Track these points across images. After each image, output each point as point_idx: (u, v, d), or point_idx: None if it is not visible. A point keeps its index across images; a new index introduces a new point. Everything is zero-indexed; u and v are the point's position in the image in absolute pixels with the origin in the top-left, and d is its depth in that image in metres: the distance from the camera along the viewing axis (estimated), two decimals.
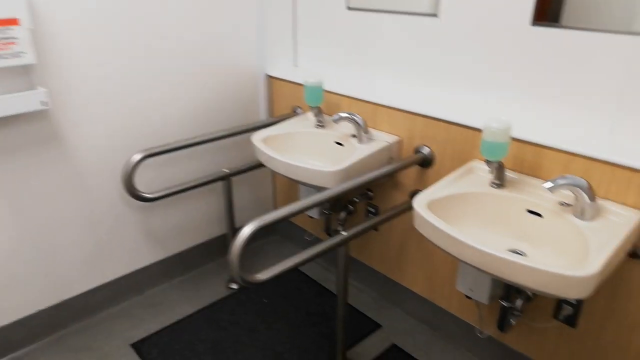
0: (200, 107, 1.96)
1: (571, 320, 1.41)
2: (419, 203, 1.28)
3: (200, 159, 2.04)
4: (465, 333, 1.73)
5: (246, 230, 1.18)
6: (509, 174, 1.39)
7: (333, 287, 2.10)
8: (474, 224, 1.36)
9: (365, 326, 1.88)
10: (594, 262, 1.02)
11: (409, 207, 1.69)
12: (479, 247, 1.10)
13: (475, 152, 1.48)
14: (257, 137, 1.78)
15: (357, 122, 1.65)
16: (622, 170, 1.18)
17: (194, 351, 1.75)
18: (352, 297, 2.03)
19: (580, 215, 1.19)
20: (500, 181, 1.35)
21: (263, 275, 1.25)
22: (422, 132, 1.60)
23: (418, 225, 1.27)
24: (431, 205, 1.30)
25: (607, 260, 1.03)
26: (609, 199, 1.22)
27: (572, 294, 1.02)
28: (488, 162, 1.29)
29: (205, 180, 1.90)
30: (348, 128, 1.79)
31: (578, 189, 1.16)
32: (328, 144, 1.81)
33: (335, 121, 1.64)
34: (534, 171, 1.35)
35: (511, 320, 1.45)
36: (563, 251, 1.22)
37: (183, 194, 2.06)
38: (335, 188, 1.40)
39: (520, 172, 1.39)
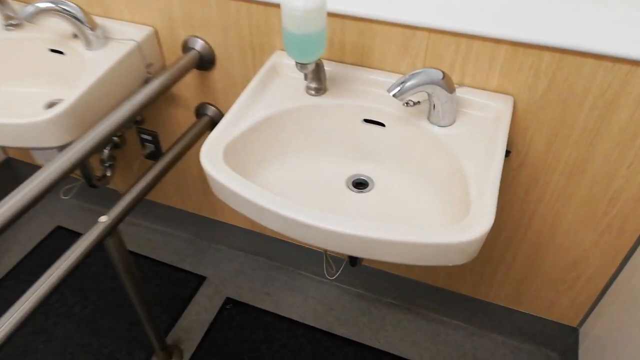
0: None
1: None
2: (208, 155, 0.79)
3: None
4: (302, 255, 1.43)
5: None
6: (330, 67, 0.95)
7: (146, 250, 1.57)
8: (296, 156, 0.93)
9: (185, 285, 1.45)
10: (481, 213, 0.69)
11: (201, 132, 1.17)
12: (303, 219, 0.69)
13: (277, 39, 0.98)
14: None
15: (72, 15, 0.98)
16: (481, 42, 0.82)
17: None
18: (159, 249, 1.55)
19: (435, 117, 0.83)
20: (319, 84, 0.91)
21: None
22: (186, 16, 1.02)
23: (214, 188, 0.79)
24: (229, 151, 0.81)
25: (495, 200, 0.71)
26: (466, 86, 0.88)
27: (457, 261, 0.71)
28: (299, 65, 0.82)
29: None
30: (60, 23, 1.09)
31: (433, 86, 0.78)
32: (39, 57, 1.10)
33: (29, 18, 0.94)
34: (364, 58, 0.93)
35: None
36: (420, 171, 0.89)
37: None
38: (65, 153, 0.80)
39: (344, 61, 0.95)
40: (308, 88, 0.91)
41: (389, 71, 0.92)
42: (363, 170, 0.94)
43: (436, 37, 0.84)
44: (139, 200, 1.04)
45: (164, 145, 1.32)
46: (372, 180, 0.92)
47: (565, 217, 1.00)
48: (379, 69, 0.93)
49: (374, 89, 0.91)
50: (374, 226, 0.68)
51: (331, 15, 0.89)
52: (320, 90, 0.90)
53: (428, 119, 0.85)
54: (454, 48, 0.84)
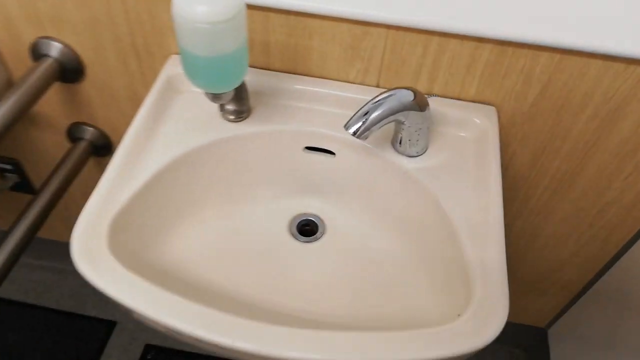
0: None
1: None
2: (84, 245, 0.52)
3: None
4: None
5: None
6: (252, 77, 0.68)
7: (33, 295, 1.24)
8: (219, 207, 0.68)
9: (92, 336, 1.16)
10: (490, 301, 0.50)
11: (81, 160, 0.87)
12: (220, 340, 0.46)
13: (171, 38, 0.69)
14: None
15: None
16: (458, 41, 0.60)
17: None
18: (50, 292, 1.23)
19: (404, 145, 0.62)
20: (240, 106, 0.65)
21: None
22: (29, 10, 0.69)
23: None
24: (119, 227, 0.55)
25: (505, 277, 0.53)
26: (436, 95, 0.67)
27: None
28: (210, 95, 0.55)
29: None
30: None
31: (406, 113, 0.56)
32: None
33: None
34: (298, 64, 0.68)
35: None
36: (386, 211, 0.68)
37: None
38: None
39: (271, 68, 0.69)
40: (225, 111, 0.65)
41: (334, 79, 0.68)
42: (309, 207, 0.71)
43: (398, 35, 0.61)
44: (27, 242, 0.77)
45: (32, 175, 0.99)
46: (322, 223, 0.70)
47: (544, 231, 0.86)
48: (319, 76, 0.68)
49: (314, 105, 0.67)
50: (347, 340, 0.47)
51: (251, 7, 0.62)
52: (242, 113, 0.65)
53: (393, 145, 0.64)
54: (421, 49, 0.62)
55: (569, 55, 0.59)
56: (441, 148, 0.64)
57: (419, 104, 0.56)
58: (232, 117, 0.65)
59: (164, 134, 0.63)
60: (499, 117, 0.67)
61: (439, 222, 0.59)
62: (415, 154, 0.62)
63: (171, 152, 0.62)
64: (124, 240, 0.56)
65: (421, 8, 0.57)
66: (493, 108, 0.66)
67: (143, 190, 0.59)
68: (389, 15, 0.58)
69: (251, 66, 0.69)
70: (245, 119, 0.65)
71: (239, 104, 0.64)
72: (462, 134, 0.65)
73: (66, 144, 0.89)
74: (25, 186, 1.02)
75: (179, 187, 0.63)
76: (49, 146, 0.91)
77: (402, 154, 0.63)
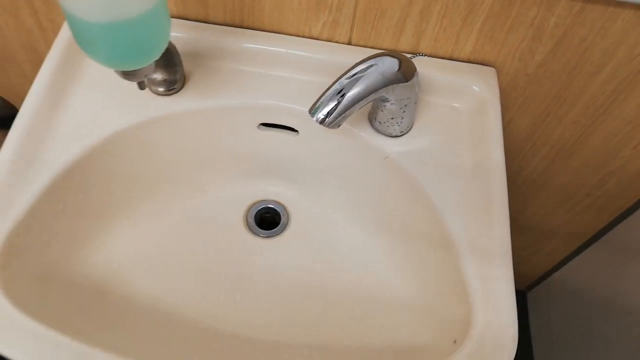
0: None
1: None
2: None
3: None
4: None
5: None
6: (185, 34, 0.52)
7: None
8: (154, 200, 0.54)
9: None
10: (497, 327, 0.41)
11: None
12: None
13: None
14: None
15: None
16: None
17: None
18: None
19: (384, 123, 0.49)
20: (172, 75, 0.49)
21: None
22: None
23: None
24: (12, 251, 0.41)
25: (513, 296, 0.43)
26: (423, 54, 0.53)
27: None
28: (120, 73, 0.39)
29: None
30: None
31: (388, 88, 0.42)
32: None
33: None
34: (245, 15, 0.51)
35: None
36: (360, 200, 0.56)
37: None
38: None
39: (209, 21, 0.53)
40: (151, 82, 0.49)
41: (293, 34, 0.53)
42: (269, 193, 0.59)
43: None
44: None
45: None
46: (285, 211, 0.58)
47: (535, 201, 0.76)
48: (273, 31, 0.53)
49: (268, 69, 0.53)
50: None
51: None
52: (173, 84, 0.50)
53: (370, 122, 0.51)
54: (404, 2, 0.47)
55: (593, 3, 0.46)
56: (429, 124, 0.51)
57: (405, 74, 0.43)
58: (161, 89, 0.49)
59: (71, 114, 0.48)
60: (498, 81, 0.54)
61: (428, 220, 0.48)
62: (399, 134, 0.50)
63: (82, 141, 0.47)
64: (24, 267, 0.43)
65: None
66: (492, 70, 0.53)
67: (46, 196, 0.44)
68: None
69: (184, 18, 0.53)
70: (178, 90, 0.50)
71: (169, 72, 0.48)
72: (455, 105, 0.53)
73: None
74: None
75: (98, 185, 0.49)
76: None
77: (382, 133, 0.50)
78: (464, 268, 0.43)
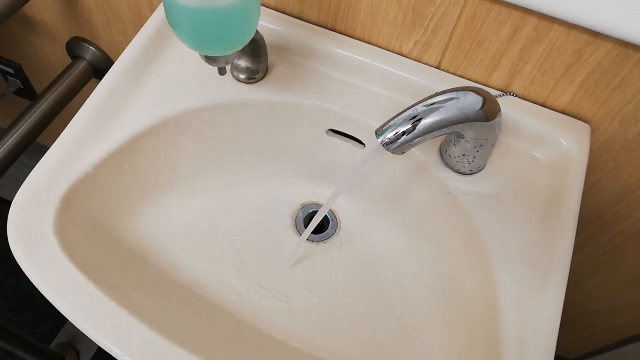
0: None
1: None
2: (19, 228, 0.41)
3: None
4: None
5: None
6: (277, 26, 0.52)
7: None
8: (211, 180, 0.56)
9: None
10: None
11: (81, 81, 0.75)
12: None
13: None
14: None
15: None
16: (564, 30, 0.43)
17: None
18: None
19: (454, 158, 0.46)
20: (255, 65, 0.50)
21: None
22: None
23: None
24: (75, 198, 0.44)
25: None
26: (514, 94, 0.50)
27: None
28: (205, 58, 0.40)
29: None
30: None
31: (464, 125, 0.40)
32: None
33: None
34: (339, 19, 0.51)
35: None
36: (416, 228, 0.53)
37: None
38: None
39: (304, 18, 0.53)
40: (234, 68, 0.50)
41: (383, 47, 0.52)
42: (322, 196, 0.58)
43: (482, 5, 0.43)
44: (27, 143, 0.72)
45: (34, 82, 0.89)
46: (335, 219, 0.57)
47: (605, 273, 0.70)
48: (363, 40, 0.52)
49: (351, 77, 0.52)
50: None
51: None
52: (256, 73, 0.50)
53: (440, 153, 0.48)
54: (509, 30, 0.44)
55: None
56: (503, 169, 0.48)
57: (487, 114, 0.40)
58: (242, 76, 0.50)
59: (155, 82, 0.50)
60: (591, 140, 0.50)
61: (478, 270, 0.45)
62: (468, 172, 0.47)
63: (158, 110, 0.48)
64: (81, 215, 0.45)
65: None
66: (587, 126, 0.49)
67: (116, 154, 0.46)
68: None
69: (280, 11, 0.53)
70: (259, 80, 0.51)
71: (253, 61, 0.49)
72: (536, 155, 0.49)
73: (67, 59, 0.77)
74: (28, 92, 0.92)
75: (163, 155, 0.51)
76: (50, 56, 0.79)
77: (451, 167, 0.47)
78: (503, 335, 0.40)
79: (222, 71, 0.42)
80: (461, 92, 0.39)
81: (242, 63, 0.49)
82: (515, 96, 0.49)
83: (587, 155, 0.48)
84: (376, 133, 0.39)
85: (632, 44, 0.41)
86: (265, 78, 0.51)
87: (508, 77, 0.48)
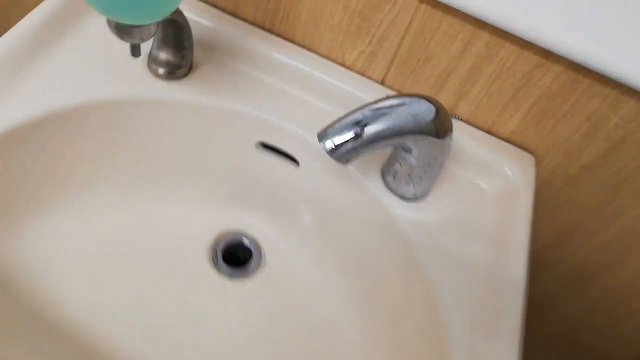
0: None
1: None
2: None
3: None
4: None
5: None
6: (207, 21, 0.47)
7: None
8: (111, 192, 0.46)
9: None
10: None
11: None
12: None
13: None
14: None
15: None
16: (516, 48, 0.40)
17: None
18: None
19: (399, 179, 0.42)
20: (177, 58, 0.43)
21: None
22: None
23: None
24: None
25: None
26: (459, 119, 0.47)
27: None
28: (114, 30, 0.33)
29: None
30: None
31: (416, 137, 0.36)
32: None
33: None
34: (276, 21, 0.46)
35: None
36: (352, 261, 0.47)
37: None
38: None
39: (239, 15, 0.47)
40: (152, 60, 0.43)
41: (323, 56, 0.47)
42: (245, 224, 0.51)
43: (433, 14, 0.40)
44: None
45: None
46: (258, 251, 0.49)
47: (538, 328, 0.67)
48: (303, 46, 0.47)
49: (288, 86, 0.46)
50: None
51: None
52: (177, 68, 0.43)
53: (383, 175, 0.43)
54: (460, 45, 0.41)
55: None
56: (448, 197, 0.44)
57: (439, 128, 0.36)
58: (161, 70, 0.43)
59: (51, 67, 0.41)
60: (536, 171, 0.48)
61: (421, 308, 0.39)
62: (412, 196, 0.42)
63: (52, 100, 0.40)
64: None
65: None
66: (531, 158, 0.46)
67: None
68: None
69: (212, 4, 0.47)
70: (180, 77, 0.44)
71: (175, 53, 0.42)
72: (481, 184, 0.45)
73: None
74: None
75: (53, 155, 0.41)
76: None
77: (393, 191, 0.42)
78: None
79: (135, 51, 0.35)
80: (414, 99, 0.35)
81: (163, 55, 0.42)
82: (460, 120, 0.46)
83: (533, 188, 0.45)
84: (318, 136, 0.33)
85: (583, 68, 0.39)
86: (188, 76, 0.44)
87: (454, 99, 0.45)
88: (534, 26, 0.37)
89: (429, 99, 0.36)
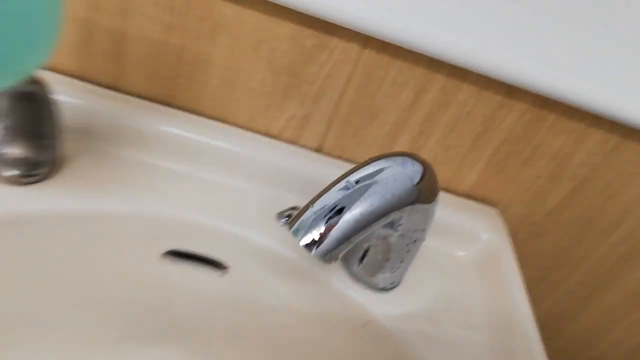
0: None
1: None
2: None
3: None
4: None
5: None
6: (86, 100, 0.34)
7: None
8: None
9: None
10: None
11: None
12: None
13: None
14: None
15: None
16: (475, 90, 0.35)
17: None
18: None
19: (371, 265, 0.32)
20: (36, 154, 0.30)
21: None
22: None
23: None
24: None
25: None
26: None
27: None
28: None
29: None
30: None
31: (406, 209, 0.27)
32: None
33: None
34: (183, 87, 0.35)
35: None
36: None
37: None
38: None
39: (125, 89, 0.36)
40: (2, 160, 0.29)
41: (241, 127, 0.37)
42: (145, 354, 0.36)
43: (378, 60, 0.33)
44: None
45: None
46: None
47: None
48: (213, 117, 0.37)
49: (197, 170, 0.35)
50: None
51: None
52: (36, 167, 0.30)
53: (347, 264, 0.34)
54: (411, 94, 0.34)
55: (632, 140, 0.37)
56: (425, 277, 0.35)
57: (426, 192, 0.28)
58: (13, 171, 0.29)
59: None
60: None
61: None
62: (389, 286, 0.33)
63: None
64: None
65: (430, 15, 0.31)
66: (496, 211, 0.41)
67: None
68: (372, 17, 0.30)
69: (84, 80, 0.35)
70: (43, 178, 0.30)
71: (33, 144, 0.29)
72: (456, 253, 0.38)
73: None
74: None
75: None
76: None
77: (363, 281, 0.33)
78: None
79: None
80: (393, 159, 0.26)
81: (15, 150, 0.28)
82: None
83: (511, 245, 0.39)
84: (293, 232, 0.23)
85: (549, 102, 0.35)
86: (54, 176, 0.31)
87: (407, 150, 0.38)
88: (497, 60, 0.32)
89: (410, 155, 0.27)
